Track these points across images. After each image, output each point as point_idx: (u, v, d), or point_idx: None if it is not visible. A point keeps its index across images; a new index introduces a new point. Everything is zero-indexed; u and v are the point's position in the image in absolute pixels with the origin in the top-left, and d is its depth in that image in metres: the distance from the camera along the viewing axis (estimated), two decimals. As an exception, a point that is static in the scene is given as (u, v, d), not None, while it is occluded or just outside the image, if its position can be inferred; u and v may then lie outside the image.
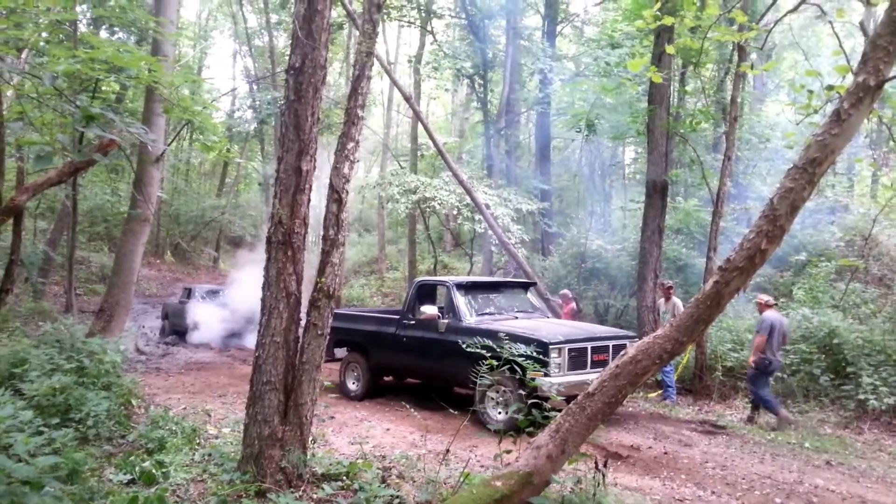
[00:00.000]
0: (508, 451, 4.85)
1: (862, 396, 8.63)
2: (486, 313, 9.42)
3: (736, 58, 11.84)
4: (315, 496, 5.05)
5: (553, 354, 7.99)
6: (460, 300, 9.25)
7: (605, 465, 4.65)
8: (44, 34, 11.85)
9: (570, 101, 20.24)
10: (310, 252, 5.84)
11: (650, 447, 7.53)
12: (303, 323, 5.53)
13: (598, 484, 4.56)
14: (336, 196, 5.47)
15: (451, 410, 7.43)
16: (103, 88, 13.38)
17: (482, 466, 6.25)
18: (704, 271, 11.17)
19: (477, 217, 16.07)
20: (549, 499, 4.40)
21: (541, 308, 10.72)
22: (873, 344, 9.36)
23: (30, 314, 15.05)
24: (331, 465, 5.60)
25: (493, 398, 8.21)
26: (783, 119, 17.49)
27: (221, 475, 5.30)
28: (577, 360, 8.29)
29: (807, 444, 7.68)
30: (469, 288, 9.73)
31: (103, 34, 18.33)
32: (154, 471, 5.37)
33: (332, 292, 5.45)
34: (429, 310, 9.26)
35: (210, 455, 5.91)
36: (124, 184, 22.11)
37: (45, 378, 6.59)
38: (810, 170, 3.98)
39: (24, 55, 9.68)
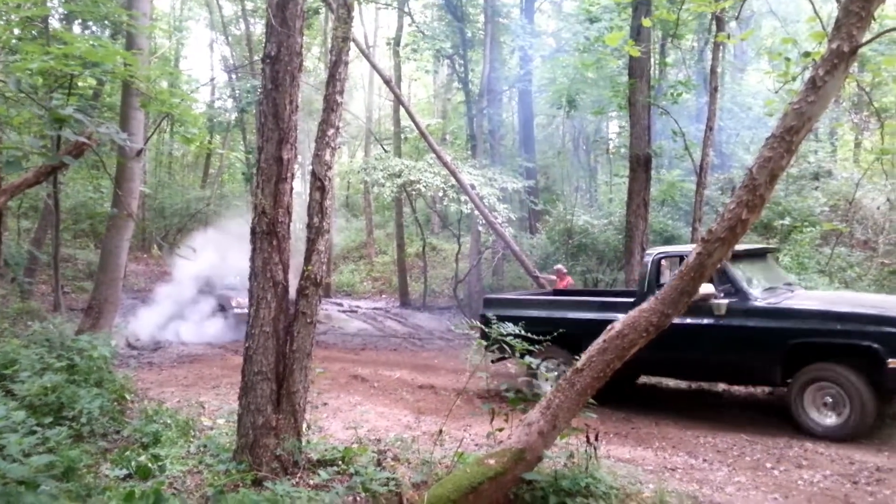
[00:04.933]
0: (501, 429, 4.90)
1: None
2: (767, 289, 7.65)
3: (714, 28, 11.84)
4: (311, 482, 5.08)
5: None
6: (740, 275, 7.48)
7: (596, 439, 4.71)
8: (15, 31, 11.69)
9: (552, 77, 20.21)
10: (297, 240, 5.83)
11: (641, 418, 7.62)
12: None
13: (590, 457, 4.62)
14: (319, 183, 5.46)
15: (442, 392, 7.47)
16: (79, 84, 13.22)
17: (476, 445, 6.31)
18: (690, 242, 11.24)
19: (463, 198, 16.08)
20: (542, 474, 4.45)
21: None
22: (859, 307, 9.43)
23: (18, 314, 14.93)
24: (326, 450, 5.63)
25: (816, 398, 6.69)
26: (764, 87, 17.53)
27: (217, 466, 5.33)
28: None
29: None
30: (736, 258, 7.69)
31: (76, 29, 18.11)
32: (150, 464, 5.39)
33: (319, 280, 5.46)
34: (703, 288, 7.93)
35: (205, 446, 5.94)
36: (106, 180, 21.91)
37: (37, 377, 6.57)
38: (788, 138, 4.00)
39: (-4, 53, 9.56)
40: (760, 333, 6.88)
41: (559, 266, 13.14)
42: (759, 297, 7.25)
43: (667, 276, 8.46)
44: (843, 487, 5.32)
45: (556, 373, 8.27)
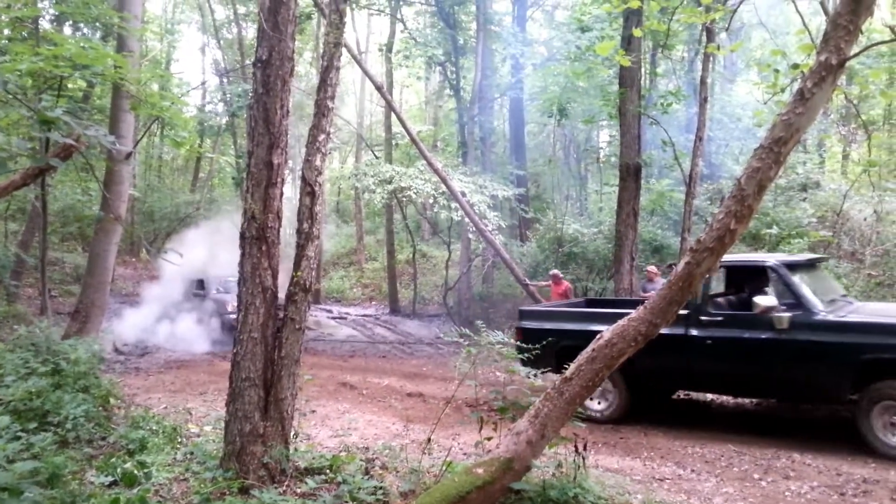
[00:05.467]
0: (489, 438, 4.89)
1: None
2: (829, 301, 7.23)
3: (704, 39, 11.92)
4: (299, 490, 5.05)
5: None
6: (805, 287, 7.06)
7: (584, 448, 4.70)
8: (5, 31, 11.64)
9: (543, 85, 20.29)
10: (287, 246, 5.80)
11: (630, 428, 7.62)
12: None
13: (579, 467, 4.61)
14: (309, 189, 5.44)
15: (431, 400, 7.44)
16: (69, 86, 13.16)
17: (465, 454, 6.30)
18: (679, 252, 11.29)
19: (453, 205, 16.09)
20: (530, 483, 4.44)
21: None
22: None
23: (3, 318, 14.82)
24: (314, 458, 5.60)
25: (884, 417, 6.39)
26: (753, 98, 17.66)
27: (204, 473, 5.28)
28: None
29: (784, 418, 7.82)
30: (795, 268, 7.41)
31: (67, 30, 18.03)
32: (136, 471, 5.34)
33: (308, 286, 5.43)
34: (765, 301, 7.00)
35: (192, 453, 5.89)
36: (95, 183, 21.80)
37: (21, 382, 6.51)
38: (776, 149, 4.02)
39: (-15, 54, 9.50)
40: (829, 348, 6.54)
41: (554, 271, 13.03)
42: (823, 309, 6.86)
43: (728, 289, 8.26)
44: (830, 499, 5.33)
45: (599, 388, 7.78)
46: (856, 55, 4.18)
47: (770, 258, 7.60)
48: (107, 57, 7.93)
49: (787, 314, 6.80)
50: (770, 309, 6.86)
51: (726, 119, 19.37)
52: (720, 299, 7.83)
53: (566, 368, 7.67)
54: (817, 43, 4.29)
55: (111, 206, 10.85)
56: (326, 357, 14.01)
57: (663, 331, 6.85)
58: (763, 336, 6.93)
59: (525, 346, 7.25)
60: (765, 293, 7.15)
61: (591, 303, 10.36)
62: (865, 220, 14.53)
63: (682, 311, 7.02)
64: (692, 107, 16.24)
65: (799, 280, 7.12)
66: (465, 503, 4.09)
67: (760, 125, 11.05)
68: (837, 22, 3.96)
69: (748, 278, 7.96)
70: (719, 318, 7.32)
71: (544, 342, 7.32)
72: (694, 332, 7.31)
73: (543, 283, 13.22)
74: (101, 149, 12.81)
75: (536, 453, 4.37)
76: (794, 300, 6.93)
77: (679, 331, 7.35)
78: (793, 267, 7.33)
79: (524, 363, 8.06)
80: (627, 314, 7.61)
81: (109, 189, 10.75)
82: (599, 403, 8.02)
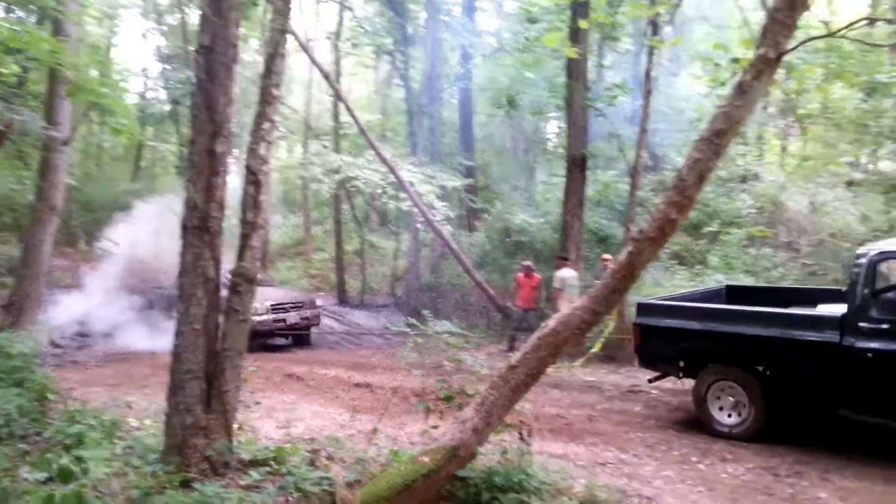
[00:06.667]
0: (436, 427, 4.91)
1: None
2: None
3: (649, 32, 12.11)
4: (242, 483, 4.98)
5: None
6: None
7: (528, 435, 4.75)
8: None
9: (492, 76, 20.34)
10: (234, 237, 5.69)
11: (575, 414, 7.75)
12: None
13: (523, 453, 4.66)
14: (253, 178, 5.35)
15: (379, 390, 7.41)
16: (3, 71, 12.63)
17: (411, 443, 6.31)
18: (623, 241, 11.49)
19: (402, 195, 16.04)
20: (476, 470, 4.47)
21: None
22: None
23: (-67, 311, 14.21)
24: (258, 451, 5.53)
25: None
26: (696, 91, 18.03)
27: (144, 467, 5.16)
28: None
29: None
30: None
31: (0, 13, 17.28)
32: (72, 467, 5.18)
33: (252, 276, 5.35)
34: None
35: (132, 448, 5.75)
36: (30, 171, 21.01)
37: (-50, 378, 6.28)
38: (716, 141, 4.12)
39: None
40: None
41: (527, 263, 12.44)
42: None
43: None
44: (764, 479, 5.52)
45: (731, 399, 6.72)
46: (793, 49, 4.30)
47: None
48: (42, 41, 7.66)
49: None
50: None
51: (670, 111, 19.74)
52: (892, 299, 5.99)
53: (693, 376, 6.95)
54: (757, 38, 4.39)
55: (46, 195, 10.49)
56: (273, 348, 13.84)
57: (811, 337, 6.09)
58: None
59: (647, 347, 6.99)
60: None
61: (731, 290, 8.85)
62: (802, 211, 15.02)
63: (835, 315, 6.11)
64: (638, 99, 16.51)
65: None
66: (410, 491, 4.10)
67: (700, 119, 11.30)
68: (775, 17, 4.07)
69: None
70: (884, 326, 5.75)
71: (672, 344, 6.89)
72: (850, 341, 5.88)
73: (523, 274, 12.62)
74: (37, 136, 12.38)
75: (482, 440, 4.41)
76: None
77: (831, 338, 5.99)
78: None
79: (644, 364, 7.67)
80: (762, 315, 6.55)
81: (44, 178, 10.40)
82: (730, 417, 6.72)
